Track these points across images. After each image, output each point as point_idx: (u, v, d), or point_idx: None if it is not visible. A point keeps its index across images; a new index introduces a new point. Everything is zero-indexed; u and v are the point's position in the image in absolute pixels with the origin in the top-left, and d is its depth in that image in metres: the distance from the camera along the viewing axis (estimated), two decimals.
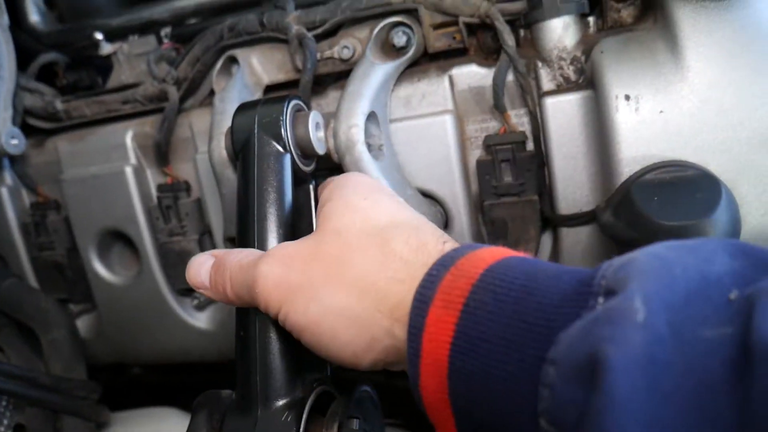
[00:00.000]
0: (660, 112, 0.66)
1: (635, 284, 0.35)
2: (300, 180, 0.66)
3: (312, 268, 0.50)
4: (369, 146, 0.74)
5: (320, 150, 0.68)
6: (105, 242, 0.99)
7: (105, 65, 1.04)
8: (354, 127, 0.73)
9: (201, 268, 0.57)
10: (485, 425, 0.41)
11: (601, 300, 0.36)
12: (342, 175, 0.61)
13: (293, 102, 0.66)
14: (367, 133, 0.74)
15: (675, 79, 0.66)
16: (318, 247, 0.51)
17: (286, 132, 0.64)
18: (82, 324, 1.06)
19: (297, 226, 0.63)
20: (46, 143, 1.01)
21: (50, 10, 1.12)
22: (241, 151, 0.64)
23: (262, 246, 0.59)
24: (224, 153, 0.78)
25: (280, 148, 0.63)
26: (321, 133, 0.70)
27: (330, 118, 0.76)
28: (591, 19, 0.76)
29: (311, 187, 0.66)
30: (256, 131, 0.64)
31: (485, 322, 0.40)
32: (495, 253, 0.44)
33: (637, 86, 0.67)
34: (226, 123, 0.79)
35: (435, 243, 0.48)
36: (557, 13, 0.73)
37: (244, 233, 0.61)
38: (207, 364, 1.04)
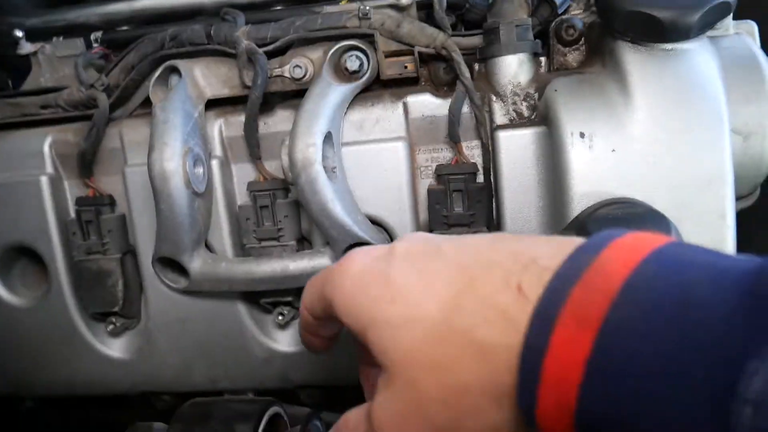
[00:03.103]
0: (612, 151, 0.69)
1: None
2: None
3: None
4: (324, 168, 0.72)
5: None
6: (7, 258, 0.89)
7: (18, 66, 0.96)
8: (312, 146, 0.71)
9: None
10: None
11: None
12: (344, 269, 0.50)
13: None
14: (322, 155, 0.72)
15: (626, 120, 0.69)
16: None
17: None
18: None
19: None
20: None
21: None
22: None
23: None
24: (166, 165, 0.73)
25: None
26: None
27: (284, 137, 0.74)
28: (543, 60, 0.79)
29: None
30: None
31: (636, 339, 0.33)
32: (628, 258, 0.36)
33: (592, 124, 0.70)
34: (170, 133, 0.74)
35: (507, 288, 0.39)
36: (513, 50, 0.75)
37: None
38: (113, 398, 0.95)
